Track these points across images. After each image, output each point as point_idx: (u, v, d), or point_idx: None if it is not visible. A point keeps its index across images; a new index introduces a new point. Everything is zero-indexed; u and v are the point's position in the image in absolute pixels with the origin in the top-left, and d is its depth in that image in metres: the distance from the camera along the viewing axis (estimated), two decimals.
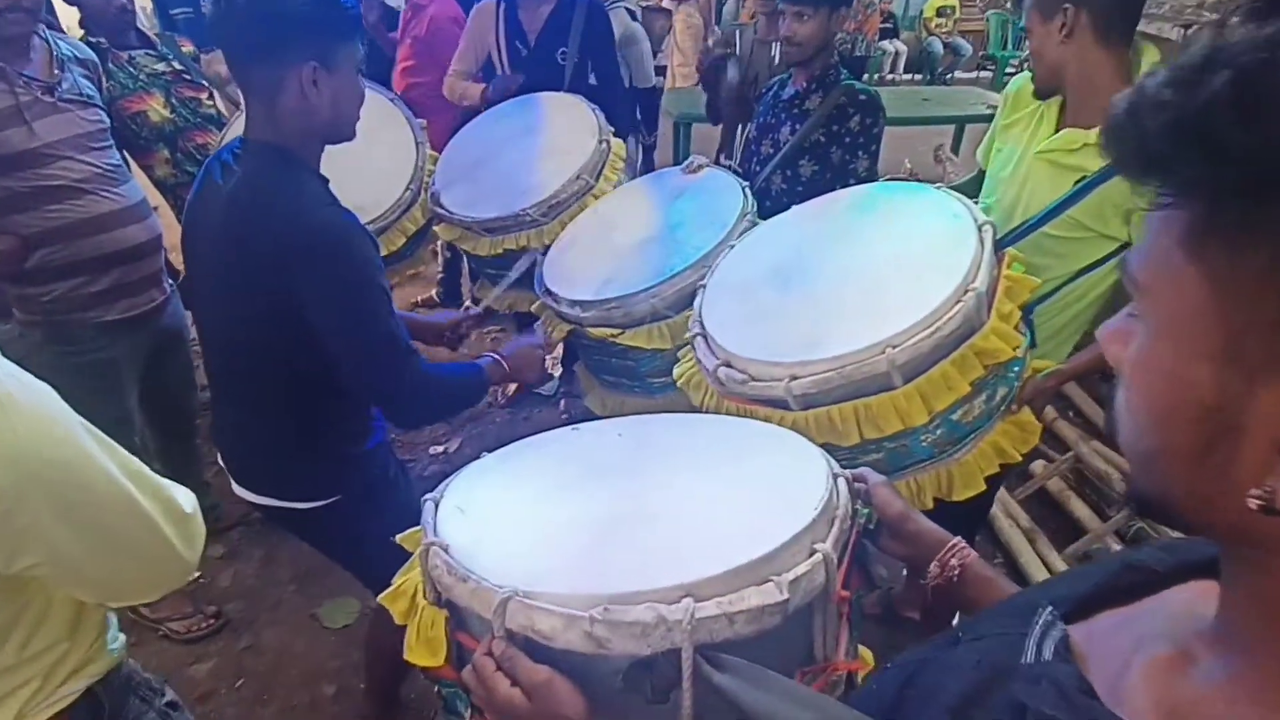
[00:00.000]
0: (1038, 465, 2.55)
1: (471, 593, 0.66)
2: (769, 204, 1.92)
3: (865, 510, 0.81)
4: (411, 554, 0.86)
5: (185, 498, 0.84)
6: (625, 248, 1.74)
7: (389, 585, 1.31)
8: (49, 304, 1.69)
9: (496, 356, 1.47)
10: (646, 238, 1.75)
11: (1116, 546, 2.25)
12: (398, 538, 0.90)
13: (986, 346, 1.07)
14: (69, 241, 1.67)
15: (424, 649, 0.72)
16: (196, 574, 2.22)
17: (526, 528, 0.77)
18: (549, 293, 1.75)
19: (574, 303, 1.66)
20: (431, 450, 2.83)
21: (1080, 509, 2.42)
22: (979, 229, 1.15)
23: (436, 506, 0.81)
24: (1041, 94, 1.47)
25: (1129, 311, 0.38)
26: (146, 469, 0.81)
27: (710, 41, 2.52)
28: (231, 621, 2.10)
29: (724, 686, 0.56)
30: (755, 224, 1.62)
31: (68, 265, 1.68)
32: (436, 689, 0.83)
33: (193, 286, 1.33)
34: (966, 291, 1.04)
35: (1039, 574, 2.18)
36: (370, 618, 1.90)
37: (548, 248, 1.97)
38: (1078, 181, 1.39)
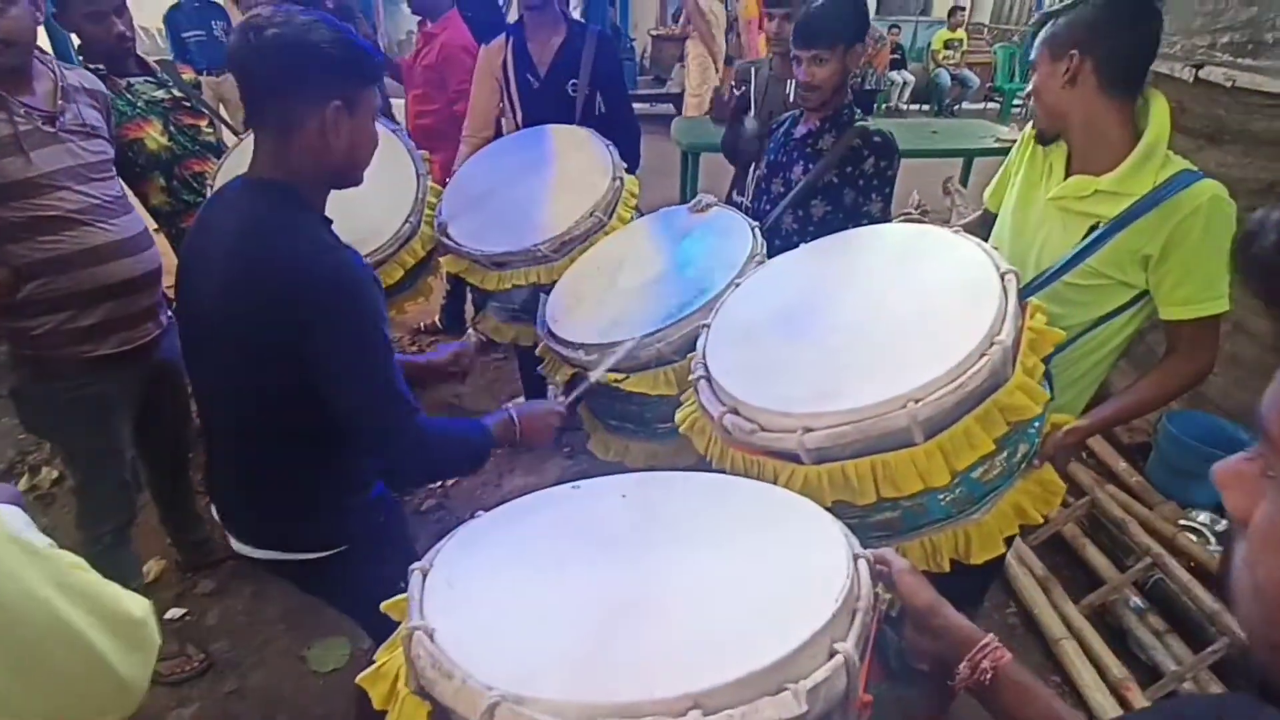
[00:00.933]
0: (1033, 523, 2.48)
1: (456, 692, 0.60)
2: (779, 243, 1.88)
3: (886, 596, 0.75)
4: (398, 624, 0.80)
5: (136, 604, 0.75)
6: (631, 289, 1.70)
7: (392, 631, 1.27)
8: (39, 338, 1.65)
9: (510, 415, 1.36)
10: (653, 279, 1.70)
11: (1135, 599, 2.17)
12: (383, 606, 0.84)
13: (1011, 403, 1.01)
14: (61, 273, 1.63)
15: None
16: (183, 611, 2.18)
17: (519, 613, 0.72)
18: (552, 334, 1.70)
19: (577, 346, 1.61)
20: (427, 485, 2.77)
21: (1096, 557, 2.34)
22: (1002, 278, 1.10)
23: (425, 578, 0.76)
24: (1043, 138, 1.44)
25: (1262, 470, 0.33)
26: (94, 581, 0.71)
27: (733, 79, 2.48)
28: (217, 662, 2.02)
29: None
30: (733, 286, 1.55)
31: (59, 298, 1.64)
32: None
33: (186, 329, 1.28)
34: (992, 344, 0.99)
35: (1055, 626, 2.10)
36: (362, 661, 1.82)
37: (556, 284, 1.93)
38: (1091, 228, 1.35)
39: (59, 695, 0.69)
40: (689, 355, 1.49)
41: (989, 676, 0.70)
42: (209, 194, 2.24)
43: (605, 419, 1.76)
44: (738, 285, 1.50)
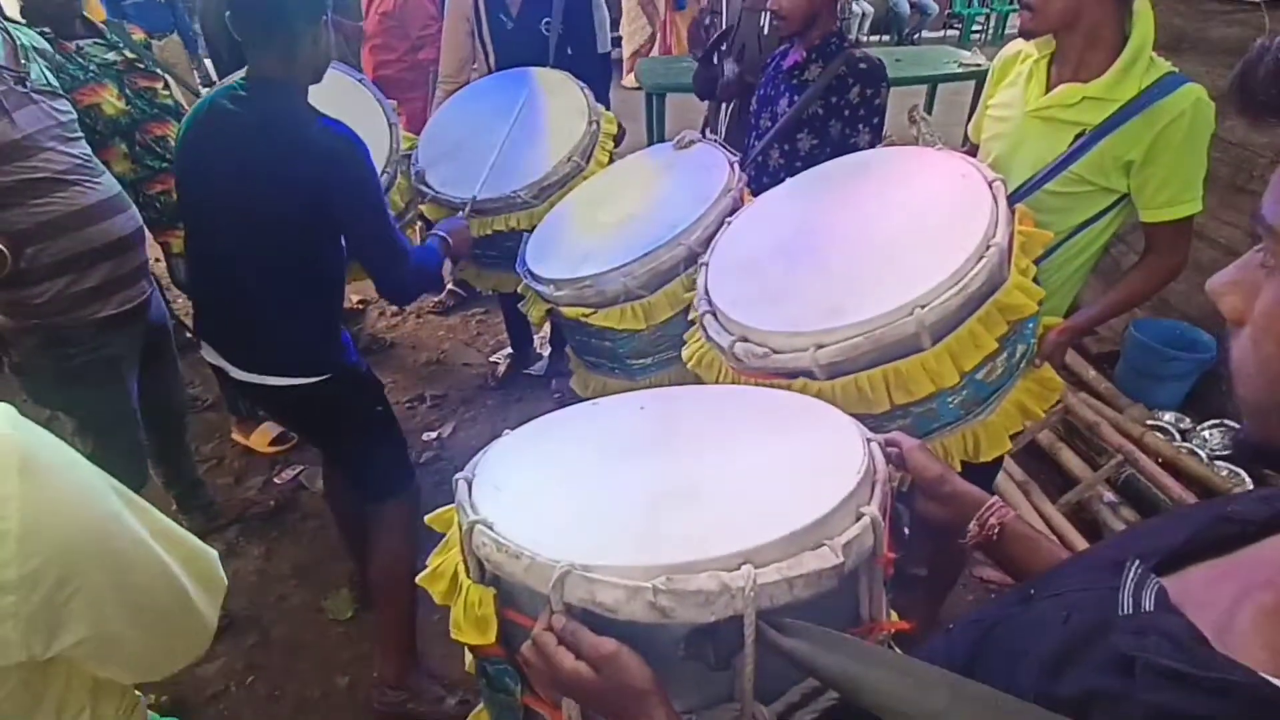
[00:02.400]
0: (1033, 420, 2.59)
1: (525, 569, 0.64)
2: (766, 179, 1.87)
3: (898, 474, 0.81)
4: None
5: (206, 547, 0.81)
6: (607, 225, 1.71)
7: (374, 466, 1.73)
8: (43, 305, 1.62)
9: (443, 236, 1.82)
10: (629, 215, 1.71)
11: (1109, 495, 2.31)
12: (427, 519, 0.88)
13: (1010, 302, 1.06)
14: (57, 236, 1.60)
15: (473, 628, 0.71)
16: None
17: (569, 503, 0.76)
18: (530, 272, 1.72)
19: (549, 281, 1.63)
20: (425, 436, 2.80)
21: (1071, 460, 2.47)
22: (990, 185, 1.14)
23: (470, 485, 0.79)
24: (1034, 34, 1.41)
25: (1260, 262, 0.38)
26: (174, 525, 0.75)
27: (705, 10, 2.45)
28: (237, 619, 2.06)
29: (796, 651, 0.55)
30: (739, 202, 1.58)
31: (59, 262, 1.62)
32: (480, 670, 0.82)
33: (202, 202, 1.54)
34: (989, 247, 1.03)
35: (1037, 525, 2.23)
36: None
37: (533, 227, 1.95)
38: (1078, 136, 1.38)
39: (162, 637, 0.74)
40: (658, 291, 1.52)
41: (996, 531, 0.76)
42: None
43: (583, 356, 1.79)
44: (729, 224, 1.49)
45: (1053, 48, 1.43)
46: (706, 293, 1.31)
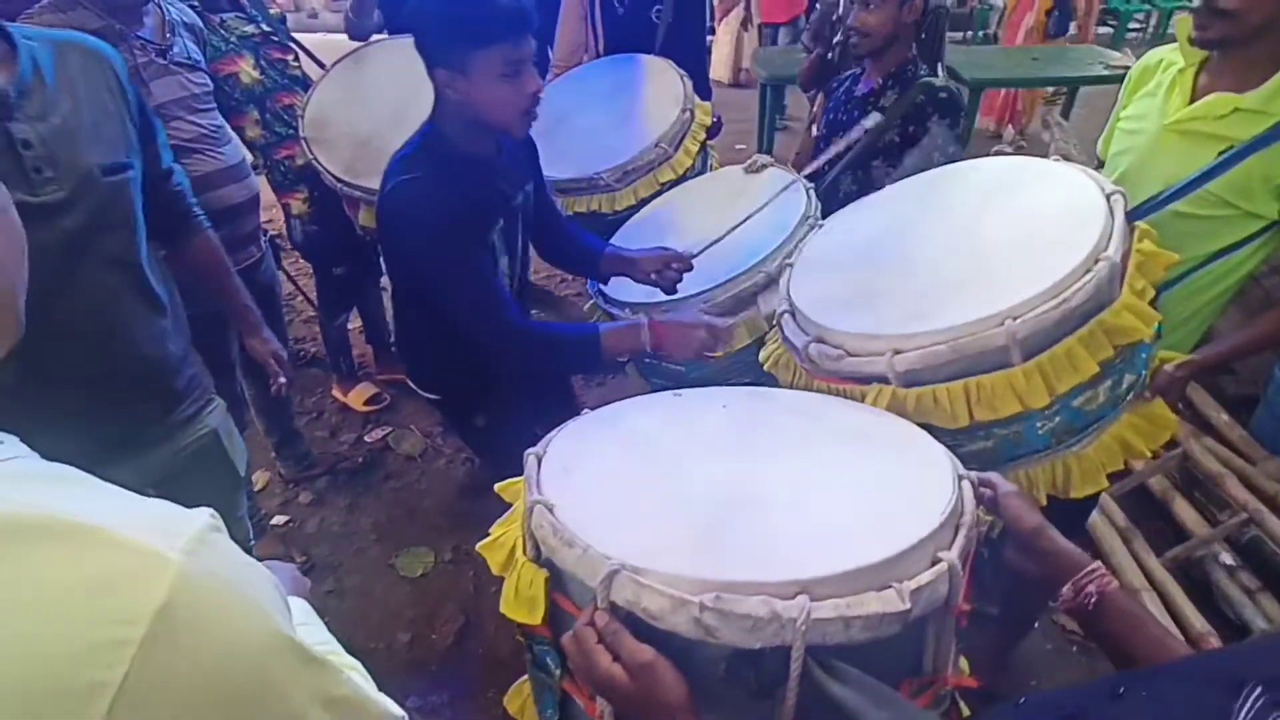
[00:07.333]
0: (1139, 460, 2.38)
1: (578, 559, 0.64)
2: (836, 206, 1.80)
3: (988, 518, 0.75)
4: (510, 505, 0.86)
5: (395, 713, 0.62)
6: (682, 250, 1.70)
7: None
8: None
9: (642, 322, 1.35)
10: (704, 241, 1.68)
11: (1226, 556, 2.09)
12: (496, 487, 0.89)
13: (1118, 324, 0.95)
14: None
15: (522, 606, 0.72)
16: (286, 518, 2.37)
17: (634, 498, 0.75)
18: (600, 293, 1.72)
19: (627, 305, 1.63)
20: None
21: (1186, 511, 2.25)
22: (1107, 198, 1.04)
23: (540, 462, 0.80)
24: (1230, 44, 1.24)
25: None
26: (358, 690, 0.57)
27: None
28: (317, 565, 2.20)
29: (842, 699, 0.52)
30: (816, 227, 1.52)
31: None
32: (527, 644, 0.83)
33: None
34: (1098, 261, 0.93)
35: (1134, 578, 2.05)
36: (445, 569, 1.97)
37: (619, 214, 1.94)
38: (1221, 152, 1.24)
39: None
40: (738, 316, 1.49)
41: (1093, 601, 0.69)
42: (299, 126, 2.33)
43: (650, 378, 1.79)
44: (820, 226, 1.45)
45: (1203, 56, 1.29)
46: (788, 292, 1.26)
